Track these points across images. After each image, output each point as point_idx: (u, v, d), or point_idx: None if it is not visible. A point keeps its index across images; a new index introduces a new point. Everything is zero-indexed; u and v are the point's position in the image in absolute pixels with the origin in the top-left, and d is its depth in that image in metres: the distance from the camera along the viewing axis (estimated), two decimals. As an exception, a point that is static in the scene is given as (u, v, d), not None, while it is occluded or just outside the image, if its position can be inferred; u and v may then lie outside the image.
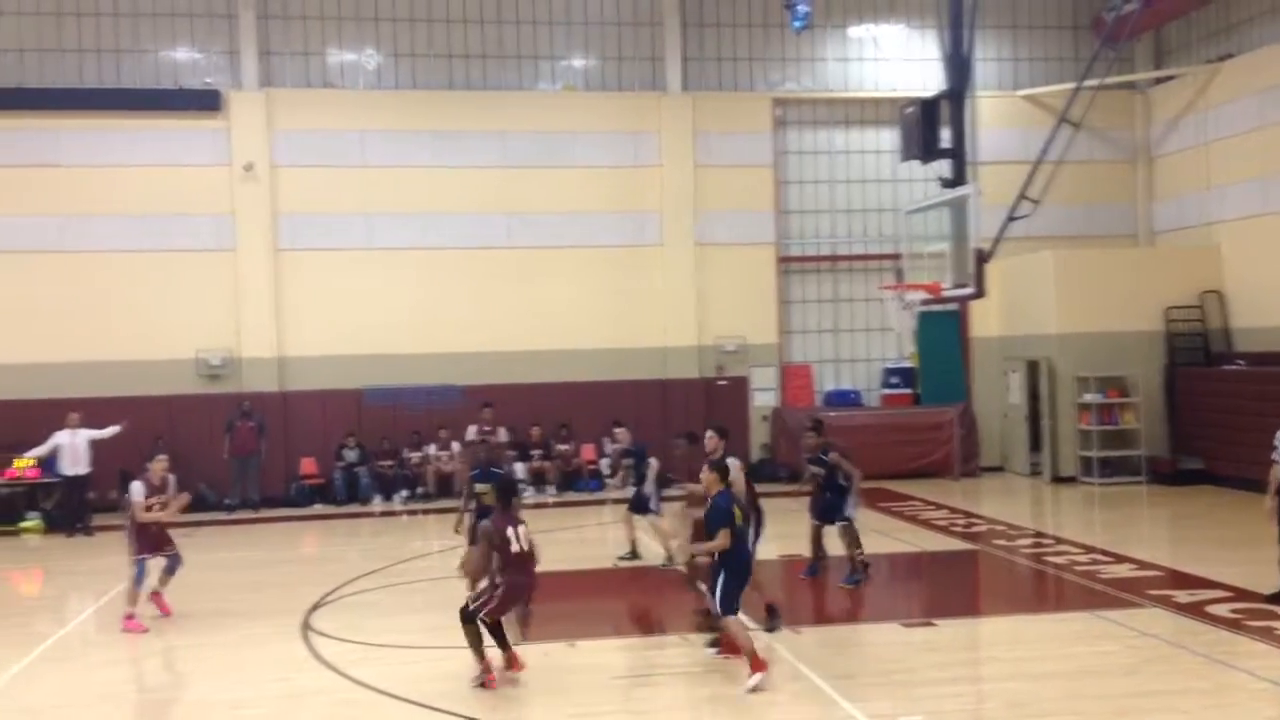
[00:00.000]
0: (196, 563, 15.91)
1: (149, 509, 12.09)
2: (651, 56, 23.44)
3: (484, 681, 9.49)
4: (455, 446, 21.07)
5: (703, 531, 9.79)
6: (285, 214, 21.87)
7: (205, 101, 21.62)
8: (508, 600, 9.65)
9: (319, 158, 21.99)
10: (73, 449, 18.76)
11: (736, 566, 9.54)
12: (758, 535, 11.00)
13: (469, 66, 22.94)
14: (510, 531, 9.67)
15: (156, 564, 12.35)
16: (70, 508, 19.00)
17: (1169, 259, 22.66)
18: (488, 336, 22.25)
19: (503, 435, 19.17)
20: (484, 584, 9.94)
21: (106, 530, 18.84)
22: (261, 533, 18.87)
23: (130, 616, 11.94)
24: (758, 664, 9.37)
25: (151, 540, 12.24)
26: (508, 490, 10.26)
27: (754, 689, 9.21)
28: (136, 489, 12.11)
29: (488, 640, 9.59)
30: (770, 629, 10.88)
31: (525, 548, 9.72)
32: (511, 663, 9.77)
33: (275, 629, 11.73)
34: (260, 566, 15.77)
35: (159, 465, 12.43)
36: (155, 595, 12.44)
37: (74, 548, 17.77)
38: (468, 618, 9.55)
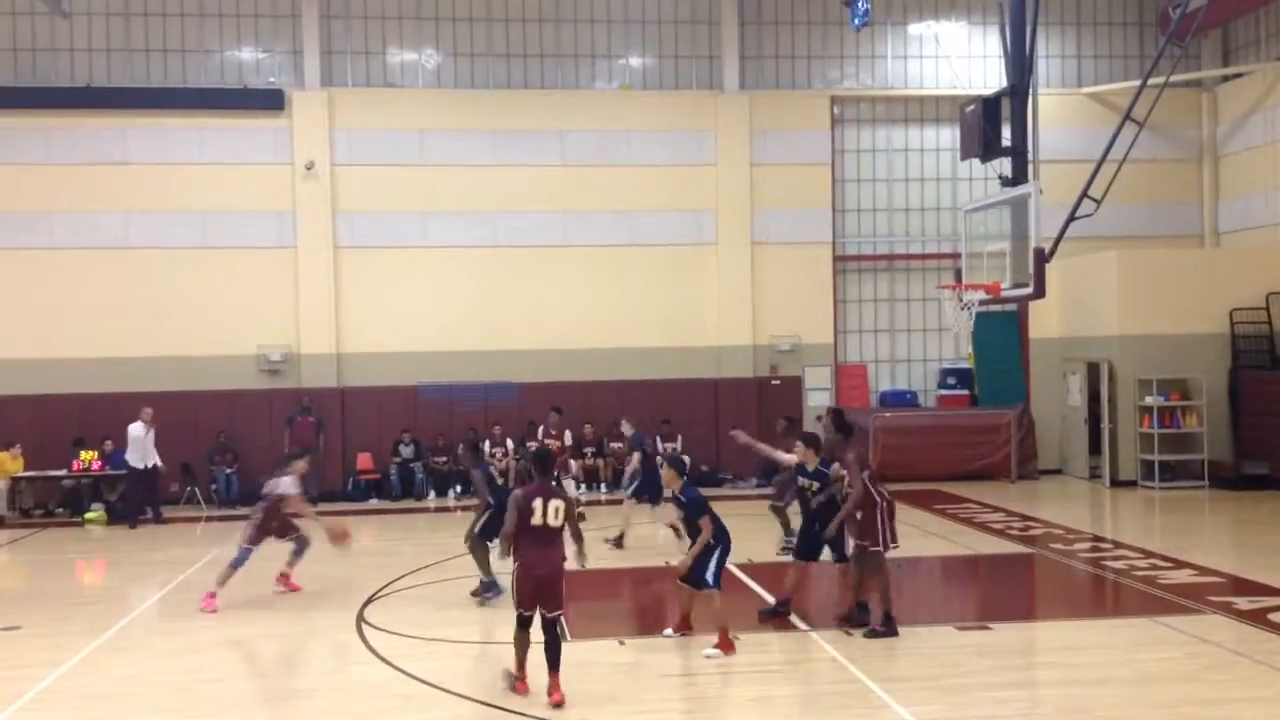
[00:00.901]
0: (255, 555, 16.21)
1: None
2: (709, 55, 23.42)
3: (514, 686, 9.12)
4: (509, 444, 21.19)
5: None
6: (345, 212, 22.15)
7: (269, 101, 21.96)
8: (523, 582, 8.98)
9: (379, 156, 22.24)
10: (144, 442, 19.17)
11: (725, 548, 10.49)
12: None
13: (527, 66, 23.07)
14: (537, 502, 8.99)
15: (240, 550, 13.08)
16: (140, 500, 19.37)
17: (1234, 260, 22.23)
18: (544, 334, 22.39)
19: (568, 439, 19.26)
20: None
21: (172, 523, 19.29)
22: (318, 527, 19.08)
23: (213, 595, 12.54)
24: (728, 643, 10.23)
25: (273, 531, 13.18)
26: (542, 461, 9.58)
27: (710, 658, 10.13)
28: (289, 484, 13.10)
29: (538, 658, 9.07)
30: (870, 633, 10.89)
31: (549, 522, 8.99)
32: (551, 690, 8.88)
33: (330, 622, 11.89)
34: (316, 560, 15.87)
35: (302, 465, 13.55)
36: (283, 576, 13.42)
37: (137, 539, 18.11)
38: (519, 621, 9.09)
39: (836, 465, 11.32)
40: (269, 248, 21.92)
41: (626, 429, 16.66)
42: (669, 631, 10.88)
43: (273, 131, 21.98)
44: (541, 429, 19.22)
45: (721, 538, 10.51)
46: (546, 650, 8.94)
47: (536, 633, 9.04)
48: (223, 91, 22.07)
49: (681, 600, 10.86)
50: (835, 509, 11.27)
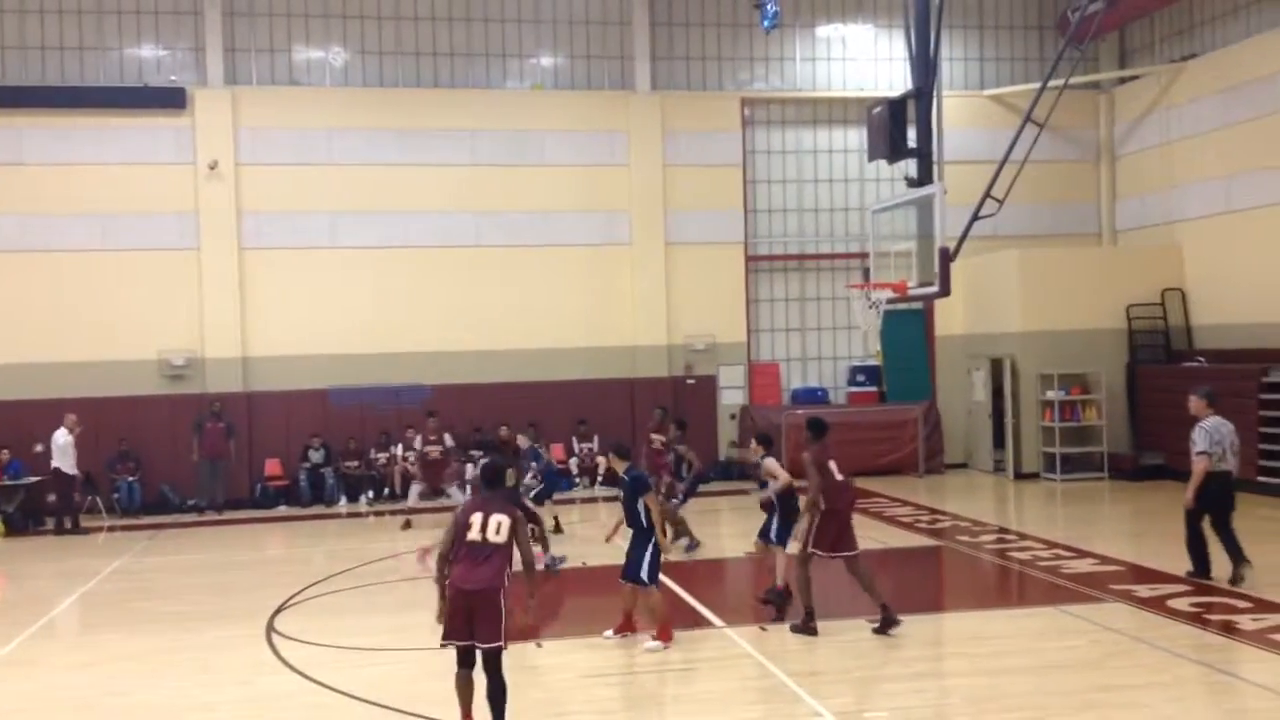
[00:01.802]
0: (160, 566, 15.92)
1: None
2: (620, 55, 23.45)
3: None
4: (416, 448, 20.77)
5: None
6: (250, 212, 21.72)
7: (170, 99, 21.43)
8: (451, 603, 7.88)
9: (285, 155, 21.85)
10: (70, 449, 18.86)
11: (657, 540, 10.66)
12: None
13: (437, 64, 22.87)
14: (475, 516, 8.01)
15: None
16: (62, 506, 19.06)
17: (1131, 257, 22.90)
18: (456, 336, 22.20)
19: (448, 442, 19.00)
20: None
21: (72, 533, 18.76)
22: (225, 535, 18.71)
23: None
24: (667, 634, 10.49)
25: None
26: (489, 474, 8.71)
27: (651, 650, 10.35)
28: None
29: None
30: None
31: (488, 537, 7.94)
32: None
33: (240, 632, 11.64)
34: (224, 569, 15.65)
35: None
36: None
37: (36, 550, 17.58)
38: (457, 658, 8.00)
39: (769, 460, 11.93)
40: (171, 249, 21.40)
41: (524, 442, 16.89)
42: (609, 633, 10.86)
43: (174, 130, 21.47)
44: (419, 437, 18.96)
45: (651, 531, 10.63)
46: (489, 696, 7.88)
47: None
48: (122, 90, 21.46)
49: (624, 598, 10.85)
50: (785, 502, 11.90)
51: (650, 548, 10.58)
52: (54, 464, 18.90)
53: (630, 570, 10.63)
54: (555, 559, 14.38)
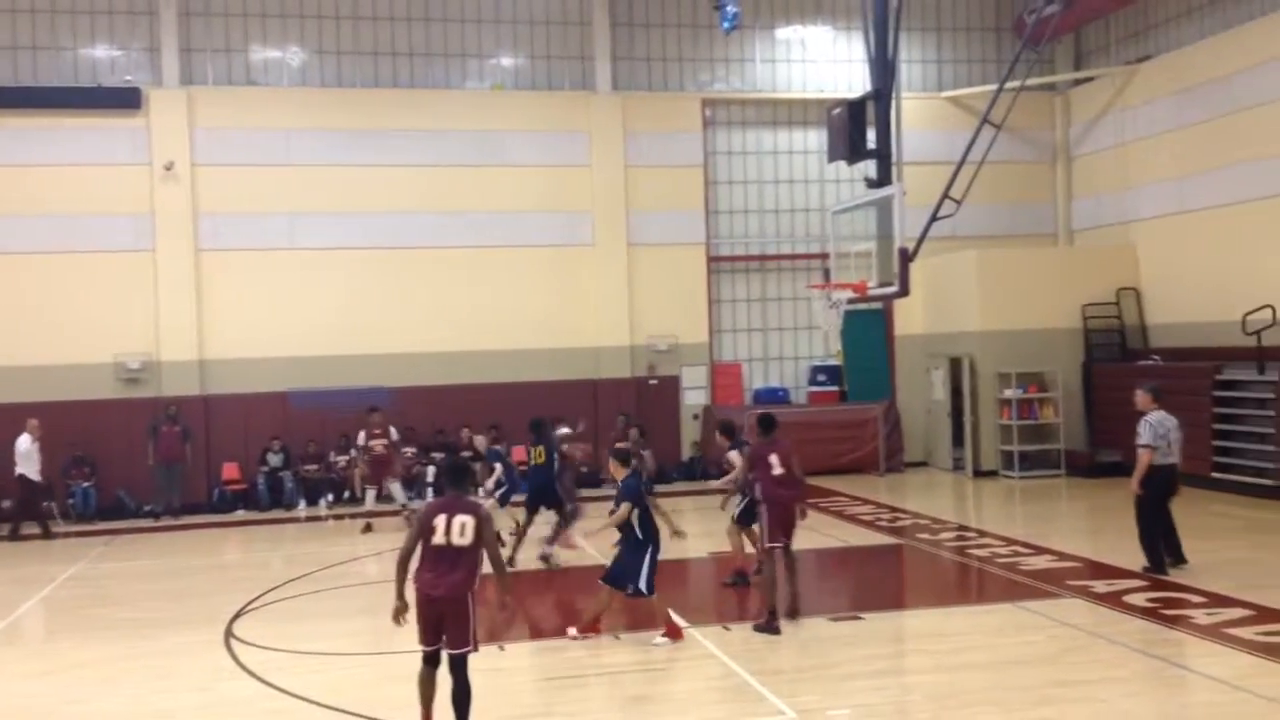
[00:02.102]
0: (116, 572, 15.72)
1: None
2: (581, 56, 23.43)
3: None
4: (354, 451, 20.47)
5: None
6: (207, 214, 21.49)
7: (124, 99, 21.17)
8: (420, 609, 7.80)
9: (242, 156, 21.65)
10: (34, 454, 18.64)
11: (656, 548, 10.69)
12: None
13: (396, 64, 22.75)
14: (439, 519, 7.82)
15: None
16: (30, 511, 18.84)
17: (1087, 257, 23.16)
18: (417, 337, 22.08)
19: (394, 435, 18.83)
20: None
21: (29, 539, 18.49)
22: (183, 540, 18.52)
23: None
24: (676, 631, 10.63)
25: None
26: (453, 473, 8.37)
27: (658, 645, 10.51)
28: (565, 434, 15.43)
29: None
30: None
31: (453, 540, 7.77)
32: None
33: (198, 638, 11.51)
34: (182, 575, 15.49)
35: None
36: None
37: (-10, 557, 17.33)
38: (423, 658, 7.96)
39: (732, 453, 12.90)
40: (126, 251, 21.13)
41: (481, 444, 16.85)
42: (573, 632, 10.83)
43: (129, 131, 21.21)
44: (363, 434, 18.73)
45: (651, 537, 10.65)
46: (453, 699, 7.84)
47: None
48: (76, 90, 21.18)
49: (598, 599, 10.83)
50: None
51: (648, 556, 10.58)
52: (18, 471, 18.62)
53: (629, 578, 10.57)
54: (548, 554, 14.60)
